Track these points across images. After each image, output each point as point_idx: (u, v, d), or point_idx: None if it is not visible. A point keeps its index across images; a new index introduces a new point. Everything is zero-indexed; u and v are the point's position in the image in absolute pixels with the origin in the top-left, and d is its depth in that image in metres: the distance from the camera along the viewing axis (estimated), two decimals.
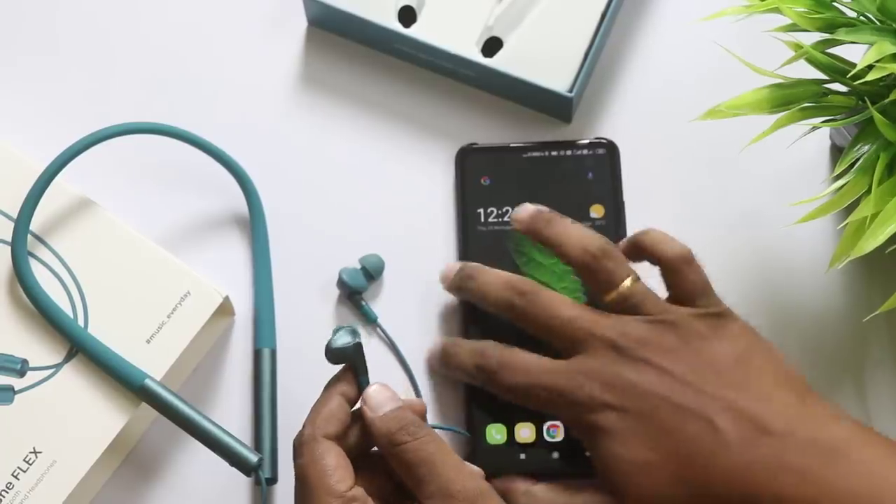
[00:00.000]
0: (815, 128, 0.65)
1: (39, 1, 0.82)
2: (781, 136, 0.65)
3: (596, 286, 0.68)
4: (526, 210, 0.71)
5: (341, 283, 0.75)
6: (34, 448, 0.69)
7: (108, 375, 0.70)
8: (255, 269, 0.76)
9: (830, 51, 0.64)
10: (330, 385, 0.67)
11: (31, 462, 0.69)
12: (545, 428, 0.71)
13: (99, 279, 0.72)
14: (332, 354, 0.66)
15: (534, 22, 0.78)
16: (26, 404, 0.70)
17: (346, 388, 0.67)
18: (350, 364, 0.67)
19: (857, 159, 0.63)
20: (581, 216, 0.74)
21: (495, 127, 0.79)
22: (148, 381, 0.69)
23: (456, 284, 0.72)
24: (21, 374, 0.71)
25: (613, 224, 0.75)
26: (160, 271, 0.72)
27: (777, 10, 0.64)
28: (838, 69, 0.64)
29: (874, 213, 0.61)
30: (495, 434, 0.72)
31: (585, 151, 0.76)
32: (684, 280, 0.68)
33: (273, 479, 0.72)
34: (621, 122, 0.79)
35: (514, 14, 0.78)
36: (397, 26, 0.78)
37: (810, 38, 0.64)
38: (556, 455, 0.71)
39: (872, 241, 0.61)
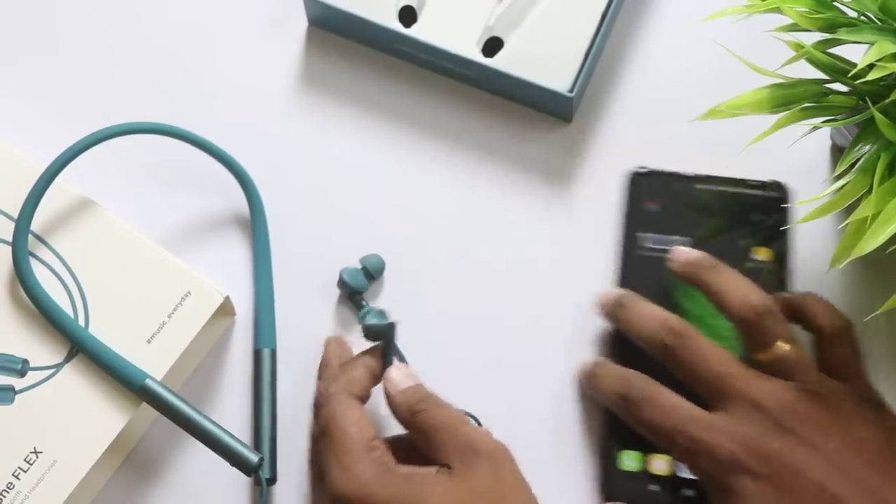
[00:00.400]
0: (815, 128, 0.65)
1: (39, 1, 0.82)
2: (782, 136, 0.65)
3: (752, 342, 0.67)
4: (685, 253, 0.71)
5: (342, 283, 0.75)
6: (35, 448, 0.69)
7: (109, 375, 0.70)
8: (256, 269, 0.76)
9: (831, 50, 0.64)
10: (357, 357, 0.69)
11: (31, 462, 0.69)
12: (681, 464, 0.70)
13: (99, 279, 0.72)
14: (370, 330, 0.69)
15: (534, 22, 0.78)
16: (27, 404, 0.70)
17: (371, 362, 0.69)
18: (383, 342, 0.69)
19: (858, 159, 0.63)
20: (743, 256, 0.73)
21: (496, 127, 0.79)
22: (148, 381, 0.69)
23: (610, 312, 0.72)
24: (22, 374, 0.71)
25: (777, 270, 0.73)
26: (161, 271, 0.72)
27: (778, 10, 0.64)
28: (839, 69, 0.64)
29: (875, 213, 0.61)
30: (628, 461, 0.71)
31: (757, 191, 0.75)
32: (839, 355, 0.67)
33: (273, 480, 0.72)
34: (622, 122, 0.79)
35: (514, 14, 0.78)
36: (398, 26, 0.78)
37: (811, 37, 0.64)
38: (687, 493, 0.70)
39: (873, 241, 0.61)
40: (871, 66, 0.61)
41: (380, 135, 0.79)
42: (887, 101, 0.62)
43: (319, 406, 0.67)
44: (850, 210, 0.63)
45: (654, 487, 0.71)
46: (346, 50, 0.80)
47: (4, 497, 0.68)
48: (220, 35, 0.81)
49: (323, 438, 0.65)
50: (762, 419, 0.64)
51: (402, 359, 0.73)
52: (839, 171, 0.63)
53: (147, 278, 0.72)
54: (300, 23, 0.81)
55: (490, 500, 0.63)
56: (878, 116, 0.61)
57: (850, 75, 0.62)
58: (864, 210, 0.61)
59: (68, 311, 0.71)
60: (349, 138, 0.79)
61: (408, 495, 0.62)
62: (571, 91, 0.76)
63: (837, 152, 0.77)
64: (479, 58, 0.77)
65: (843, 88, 0.65)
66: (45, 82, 0.80)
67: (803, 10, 0.64)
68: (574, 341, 0.75)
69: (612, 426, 0.71)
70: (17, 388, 0.70)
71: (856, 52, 0.66)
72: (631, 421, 0.68)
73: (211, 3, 0.82)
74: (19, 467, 0.69)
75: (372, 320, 0.69)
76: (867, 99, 0.63)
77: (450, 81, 0.80)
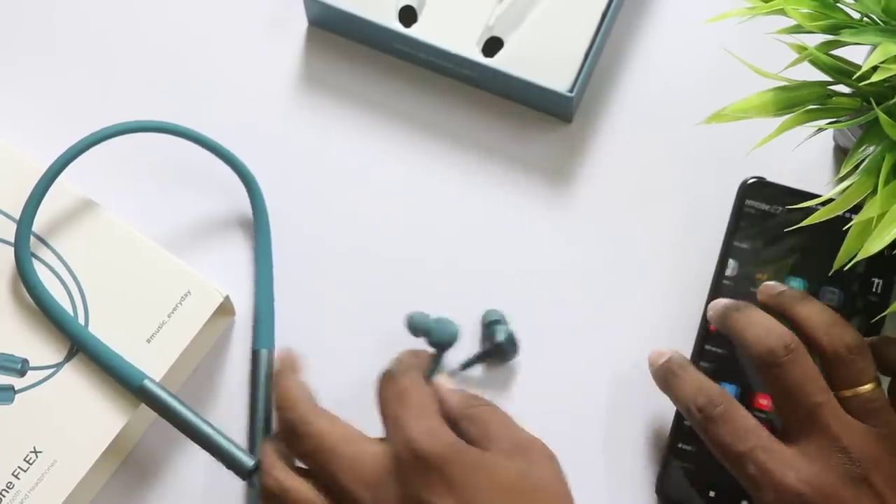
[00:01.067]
0: (820, 130, 0.65)
1: (39, 1, 0.81)
2: (786, 138, 0.65)
3: (837, 379, 0.66)
4: (772, 286, 0.70)
5: (497, 348, 0.74)
6: (34, 448, 0.69)
7: (108, 375, 0.70)
8: (257, 269, 0.76)
9: (834, 52, 0.64)
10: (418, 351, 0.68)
11: (31, 462, 0.69)
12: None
13: (99, 279, 0.72)
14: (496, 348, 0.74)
15: (534, 22, 0.78)
16: (26, 404, 0.70)
17: (426, 363, 0.68)
18: (439, 352, 0.69)
19: (862, 160, 0.63)
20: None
21: (496, 127, 0.79)
22: (147, 382, 0.69)
23: (720, 316, 0.70)
24: (21, 373, 0.71)
25: (880, 302, 0.72)
26: (161, 271, 0.72)
27: (781, 12, 0.64)
28: (843, 71, 0.64)
29: (880, 213, 0.61)
30: None
31: None
32: None
33: None
34: (622, 122, 0.79)
35: (514, 14, 0.78)
36: (398, 26, 0.78)
37: (814, 39, 0.65)
38: None
39: (878, 242, 0.61)
40: (875, 68, 0.61)
41: (380, 135, 0.79)
42: (891, 102, 0.62)
43: (392, 376, 0.65)
44: (854, 211, 0.63)
45: (711, 494, 0.71)
46: (346, 50, 0.80)
47: (4, 497, 0.68)
48: (220, 35, 0.81)
49: (400, 403, 0.64)
50: (840, 461, 0.63)
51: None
52: (843, 172, 0.63)
53: (147, 278, 0.72)
54: (300, 23, 0.81)
55: (550, 493, 0.62)
56: (883, 117, 0.61)
57: (854, 77, 0.63)
58: (869, 211, 0.61)
59: (68, 310, 0.71)
60: (349, 138, 0.78)
61: (481, 465, 0.61)
62: (571, 91, 0.76)
63: (840, 154, 0.77)
64: (480, 58, 0.78)
65: (847, 90, 0.65)
66: (44, 82, 0.80)
67: (807, 11, 0.64)
68: (572, 340, 0.75)
69: (677, 427, 0.72)
70: (16, 388, 0.70)
71: (859, 54, 0.66)
72: (702, 434, 0.66)
73: (211, 3, 0.81)
74: (19, 467, 0.69)
75: (501, 337, 0.73)
76: (871, 100, 0.63)
77: (450, 81, 0.80)
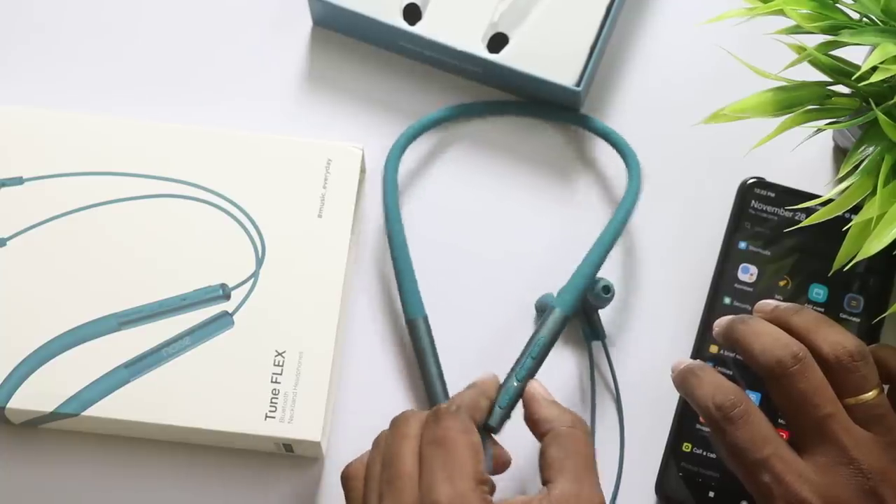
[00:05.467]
0: (819, 130, 0.66)
1: (44, 3, 0.82)
2: (785, 138, 0.65)
3: (841, 387, 0.64)
4: (768, 304, 0.70)
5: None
6: (277, 350, 0.72)
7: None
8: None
9: (833, 53, 0.65)
10: (482, 383, 0.67)
11: (281, 364, 0.71)
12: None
13: (252, 187, 0.75)
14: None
15: (539, 17, 0.78)
16: (248, 318, 0.72)
17: (492, 393, 0.67)
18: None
19: (862, 161, 0.63)
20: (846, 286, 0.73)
21: (503, 123, 0.79)
22: (420, 319, 0.74)
23: (725, 330, 0.69)
24: (226, 297, 0.73)
25: (873, 306, 0.73)
26: (296, 157, 0.75)
27: (780, 13, 0.64)
28: (842, 71, 0.64)
29: (879, 214, 0.61)
30: None
31: None
32: None
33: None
34: (626, 119, 0.79)
35: (518, 10, 0.78)
36: (402, 24, 0.78)
37: (813, 40, 0.65)
38: None
39: (878, 242, 0.61)
40: (874, 69, 0.61)
41: (386, 132, 0.79)
42: (890, 102, 0.62)
43: (437, 417, 0.63)
44: (854, 212, 0.64)
45: (711, 494, 0.71)
46: (351, 49, 0.80)
47: (276, 404, 0.71)
48: (225, 36, 0.81)
49: (435, 453, 0.61)
50: (851, 474, 0.63)
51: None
52: (843, 173, 0.63)
53: (289, 168, 0.75)
54: (305, 23, 0.81)
55: None
56: (882, 118, 0.61)
57: (853, 78, 0.63)
58: (868, 212, 0.62)
59: (248, 247, 0.74)
60: (356, 137, 0.79)
61: None
62: (578, 85, 0.76)
63: (840, 154, 0.77)
64: (485, 54, 0.78)
65: (846, 90, 0.65)
66: (43, 82, 0.80)
67: (806, 12, 0.64)
68: (574, 338, 0.76)
69: (677, 427, 0.72)
70: (231, 310, 0.72)
71: (858, 54, 0.66)
72: (718, 436, 0.66)
73: (215, 3, 0.82)
74: (273, 373, 0.71)
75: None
76: (870, 101, 0.63)
77: (456, 78, 0.80)
